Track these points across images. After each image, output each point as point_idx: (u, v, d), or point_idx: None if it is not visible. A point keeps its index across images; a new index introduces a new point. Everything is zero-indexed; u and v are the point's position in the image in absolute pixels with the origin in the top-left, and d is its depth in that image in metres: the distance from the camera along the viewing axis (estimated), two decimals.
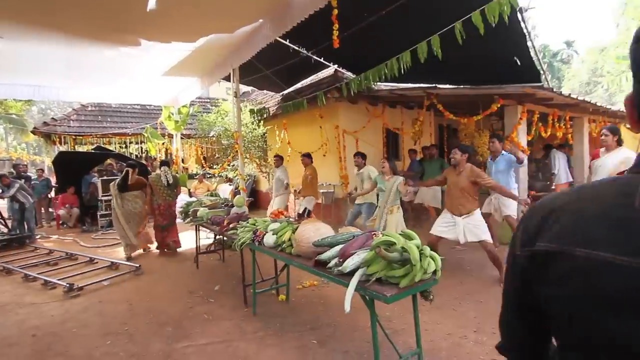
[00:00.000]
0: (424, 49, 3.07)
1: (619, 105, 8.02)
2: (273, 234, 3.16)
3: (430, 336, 2.96)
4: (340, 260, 2.28)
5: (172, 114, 9.30)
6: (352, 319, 3.28)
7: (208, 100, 13.92)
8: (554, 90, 5.14)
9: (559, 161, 7.06)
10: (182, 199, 9.12)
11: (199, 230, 5.29)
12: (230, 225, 3.95)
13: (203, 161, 10.95)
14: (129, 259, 5.75)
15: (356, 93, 6.00)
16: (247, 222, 3.74)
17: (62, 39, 4.49)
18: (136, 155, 11.63)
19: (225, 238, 4.44)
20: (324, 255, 2.39)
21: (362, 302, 2.17)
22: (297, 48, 6.27)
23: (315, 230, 2.70)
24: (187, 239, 6.92)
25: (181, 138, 10.45)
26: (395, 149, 8.75)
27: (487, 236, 3.90)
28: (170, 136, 10.44)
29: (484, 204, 5.26)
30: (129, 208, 5.91)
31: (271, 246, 3.11)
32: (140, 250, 6.20)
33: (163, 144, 11.02)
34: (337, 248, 2.41)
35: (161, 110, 9.52)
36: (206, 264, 5.34)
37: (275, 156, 6.99)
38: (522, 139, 5.79)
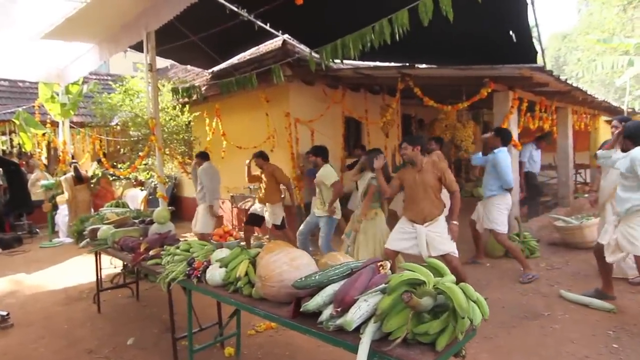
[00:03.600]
0: (428, 7, 2.71)
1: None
2: (220, 267, 2.59)
3: None
4: (338, 310, 1.80)
5: (57, 95, 8.13)
6: None
7: (109, 77, 12.61)
8: (553, 73, 5.16)
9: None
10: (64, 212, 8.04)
11: (99, 257, 4.48)
12: (151, 252, 3.28)
13: (103, 158, 9.75)
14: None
15: (319, 70, 5.56)
16: (177, 247, 3.11)
17: None
18: (4, 151, 10.01)
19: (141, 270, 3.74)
20: (311, 304, 1.89)
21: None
22: (235, 9, 5.65)
23: (290, 262, 2.18)
24: (82, 268, 6.04)
25: (70, 127, 9.21)
26: (358, 142, 8.48)
27: (451, 247, 3.79)
28: (55, 124, 9.13)
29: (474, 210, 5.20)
30: (80, 198, 7.80)
31: (218, 284, 2.56)
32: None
33: (44, 135, 9.59)
34: (329, 290, 1.93)
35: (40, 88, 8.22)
36: (113, 305, 4.60)
37: (197, 155, 6.33)
38: (514, 131, 5.81)
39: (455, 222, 3.80)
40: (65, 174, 8.22)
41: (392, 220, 4.84)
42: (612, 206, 4.28)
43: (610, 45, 9.88)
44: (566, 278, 4.61)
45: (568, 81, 5.99)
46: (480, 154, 5.16)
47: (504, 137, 4.87)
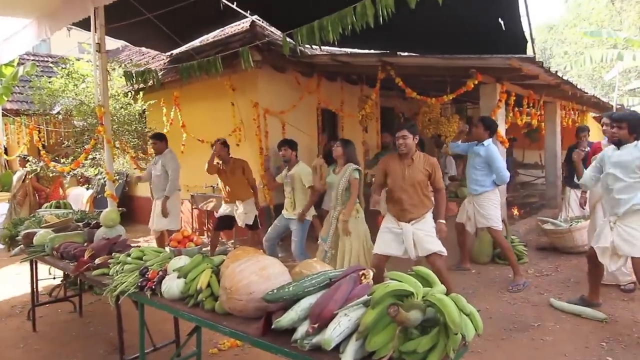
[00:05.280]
0: None
1: None
2: (178, 277, 2.49)
3: None
4: (315, 326, 1.74)
5: None
6: None
7: (50, 58, 12.11)
8: (543, 65, 5.27)
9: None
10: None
11: (36, 266, 4.28)
12: (97, 261, 3.13)
13: (42, 151, 9.35)
14: None
15: (291, 56, 5.49)
16: (128, 255, 2.98)
17: None
18: None
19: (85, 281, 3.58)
20: (284, 320, 1.81)
21: None
22: None
23: (259, 271, 2.10)
24: (14, 279, 5.79)
25: (3, 115, 8.77)
26: (333, 136, 8.46)
27: (439, 247, 3.83)
28: None
29: (458, 212, 5.25)
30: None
31: (175, 297, 2.45)
32: None
33: None
34: (304, 304, 1.87)
35: None
36: (51, 322, 4.40)
37: (152, 137, 6.09)
38: (501, 126, 5.91)
39: (442, 221, 3.84)
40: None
41: (370, 220, 4.90)
42: (602, 207, 4.41)
43: (598, 38, 10.25)
44: (556, 285, 4.72)
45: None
46: (460, 141, 5.22)
47: (491, 127, 4.93)
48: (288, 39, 3.91)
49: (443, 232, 3.82)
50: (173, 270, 2.56)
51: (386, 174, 3.96)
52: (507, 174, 4.84)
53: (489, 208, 4.82)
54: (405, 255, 3.87)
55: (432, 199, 3.99)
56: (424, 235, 3.80)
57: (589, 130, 6.10)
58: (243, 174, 5.69)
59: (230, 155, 5.78)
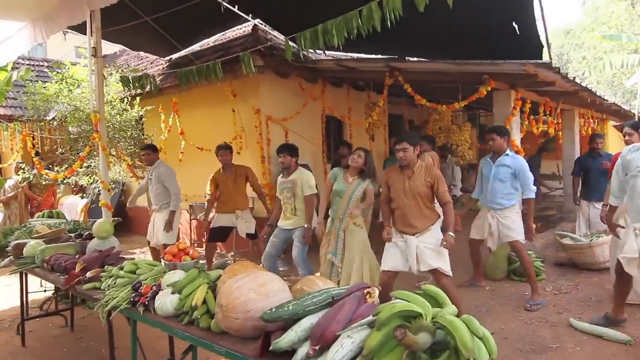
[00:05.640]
0: None
1: None
2: (173, 293, 2.48)
3: None
4: (316, 348, 1.72)
5: None
6: None
7: (45, 63, 12.25)
8: (560, 71, 5.25)
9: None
10: None
11: (26, 278, 4.30)
12: (88, 274, 3.14)
13: (36, 158, 9.43)
14: None
15: (295, 61, 5.52)
16: (121, 268, 3.00)
17: None
18: None
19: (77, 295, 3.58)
20: (283, 341, 1.79)
21: None
22: None
23: (257, 288, 2.08)
24: (3, 292, 5.80)
25: None
26: (338, 145, 8.46)
27: (442, 263, 3.81)
28: None
29: (472, 227, 5.16)
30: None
31: (169, 314, 2.45)
32: None
33: None
34: (305, 324, 1.84)
35: None
36: (41, 337, 4.41)
37: (146, 147, 6.12)
38: (516, 135, 5.89)
39: (451, 234, 3.80)
40: None
41: (376, 232, 4.88)
42: (625, 221, 4.34)
43: (617, 42, 10.25)
44: (576, 304, 4.64)
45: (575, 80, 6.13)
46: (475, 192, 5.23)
47: (506, 133, 4.90)
48: (291, 43, 3.92)
49: (449, 243, 3.77)
50: (167, 285, 2.55)
51: (389, 187, 3.99)
52: (534, 187, 4.76)
53: (516, 220, 4.76)
54: (411, 270, 3.87)
55: (437, 212, 3.99)
56: (428, 249, 3.79)
57: (603, 138, 6.08)
58: (246, 182, 5.71)
59: (232, 162, 5.76)
